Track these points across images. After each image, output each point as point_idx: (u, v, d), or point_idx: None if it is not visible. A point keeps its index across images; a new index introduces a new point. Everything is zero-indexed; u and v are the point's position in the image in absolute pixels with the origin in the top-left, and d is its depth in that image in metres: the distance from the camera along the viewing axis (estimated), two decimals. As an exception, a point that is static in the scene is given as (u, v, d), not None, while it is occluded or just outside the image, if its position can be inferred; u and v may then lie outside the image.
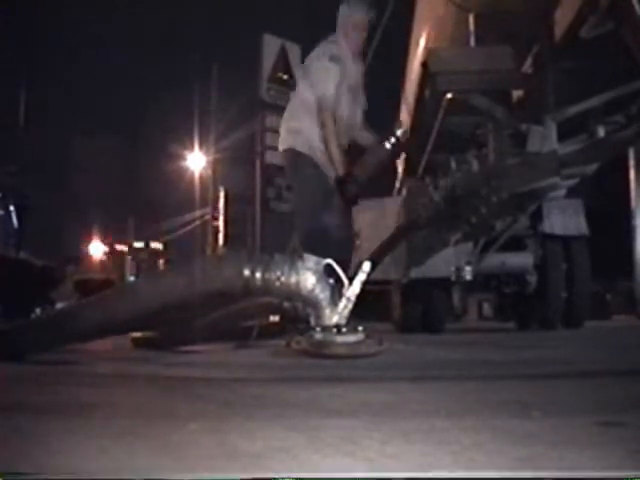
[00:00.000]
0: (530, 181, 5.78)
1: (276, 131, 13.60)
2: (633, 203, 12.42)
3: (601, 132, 5.81)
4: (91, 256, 33.07)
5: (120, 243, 32.39)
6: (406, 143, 5.02)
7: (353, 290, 3.84)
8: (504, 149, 5.87)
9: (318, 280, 3.80)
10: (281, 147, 4.76)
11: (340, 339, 3.66)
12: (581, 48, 5.13)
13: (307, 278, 3.79)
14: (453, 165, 6.51)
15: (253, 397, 2.22)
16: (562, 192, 7.18)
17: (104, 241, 33.28)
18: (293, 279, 3.79)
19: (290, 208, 12.94)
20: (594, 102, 5.69)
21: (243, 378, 2.94)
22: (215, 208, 21.52)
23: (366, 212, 8.16)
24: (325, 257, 3.85)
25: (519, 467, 1.14)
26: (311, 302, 3.84)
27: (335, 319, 3.76)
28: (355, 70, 4.67)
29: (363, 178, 4.61)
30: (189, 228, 27.11)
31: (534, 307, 8.12)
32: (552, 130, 5.69)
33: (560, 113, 5.72)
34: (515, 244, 7.78)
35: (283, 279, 3.79)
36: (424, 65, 6.08)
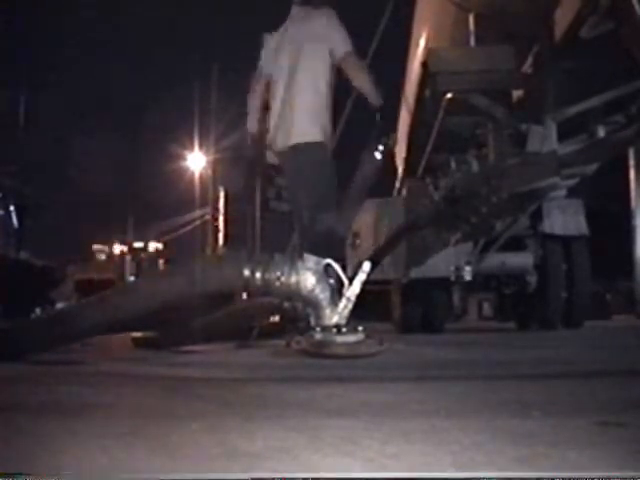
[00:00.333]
0: (530, 181, 5.78)
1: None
2: (633, 203, 12.40)
3: (601, 132, 5.82)
4: (91, 256, 33.05)
5: (120, 243, 32.40)
6: (393, 149, 5.00)
7: (353, 290, 3.84)
8: (504, 149, 5.87)
9: (318, 280, 3.80)
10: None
11: (340, 339, 3.66)
12: (581, 48, 5.13)
13: (307, 278, 3.79)
14: (453, 165, 6.52)
15: (253, 397, 2.22)
16: (562, 192, 7.18)
17: (104, 241, 33.27)
18: (293, 279, 3.79)
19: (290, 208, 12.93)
20: (594, 102, 5.69)
21: (243, 378, 2.94)
22: (215, 208, 21.54)
23: (366, 212, 8.17)
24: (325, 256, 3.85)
25: (519, 467, 1.14)
26: (311, 302, 3.84)
27: (335, 319, 3.76)
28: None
29: (362, 192, 4.58)
30: (189, 228, 27.12)
31: (534, 307, 8.12)
32: (552, 130, 5.69)
33: (560, 113, 5.72)
34: (515, 244, 7.78)
35: (283, 279, 3.79)
36: (424, 65, 6.08)
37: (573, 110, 5.76)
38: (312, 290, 3.79)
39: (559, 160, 5.62)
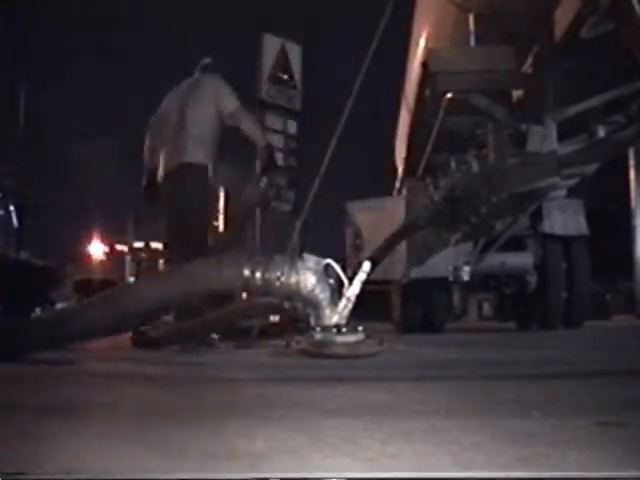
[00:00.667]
0: (530, 181, 5.78)
1: (276, 131, 13.57)
2: (633, 203, 12.40)
3: (601, 132, 5.82)
4: (91, 256, 33.05)
5: (120, 243, 32.38)
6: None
7: (353, 290, 3.84)
8: (504, 149, 5.87)
9: (318, 280, 3.79)
10: None
11: (340, 339, 3.66)
12: (581, 48, 5.13)
13: (307, 278, 3.79)
14: (453, 165, 6.52)
15: (253, 397, 2.22)
16: (562, 192, 7.18)
17: (104, 241, 33.28)
18: (293, 279, 3.79)
19: (290, 208, 12.94)
20: (594, 102, 5.70)
21: (243, 378, 2.94)
22: (215, 208, 21.50)
23: (366, 212, 8.18)
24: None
25: (519, 467, 1.14)
26: (311, 302, 3.84)
27: (335, 319, 3.76)
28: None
29: (242, 219, 5.34)
30: (189, 228, 27.06)
31: (534, 307, 8.12)
32: (552, 130, 5.69)
33: (560, 113, 5.72)
34: (515, 244, 7.79)
35: (283, 279, 3.79)
36: (424, 65, 6.08)
37: (573, 110, 5.76)
38: (312, 290, 3.79)
39: (559, 160, 5.62)
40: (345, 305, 3.81)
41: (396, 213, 7.54)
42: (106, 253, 32.85)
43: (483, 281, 8.39)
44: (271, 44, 13.14)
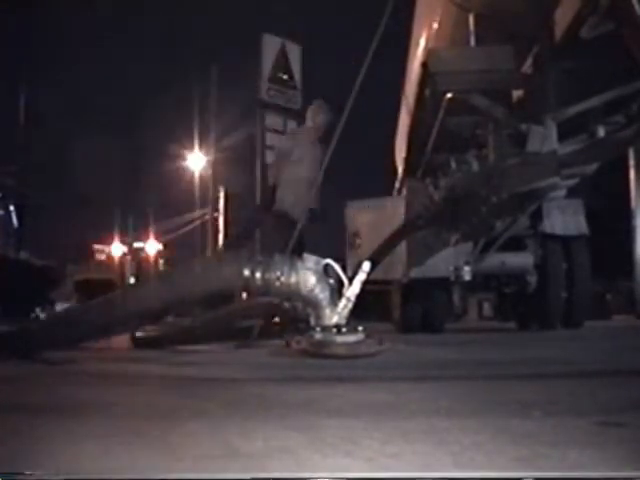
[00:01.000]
0: (530, 181, 5.78)
1: (276, 131, 13.55)
2: (633, 203, 12.41)
3: (601, 132, 5.82)
4: (91, 256, 33.05)
5: (120, 243, 32.38)
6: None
7: (353, 290, 3.84)
8: (504, 149, 5.87)
9: (318, 280, 3.80)
10: None
11: (340, 339, 3.66)
12: (581, 48, 5.13)
13: (307, 278, 3.79)
14: (453, 165, 6.51)
15: (253, 397, 2.22)
16: (562, 192, 7.17)
17: (104, 241, 33.27)
18: (293, 279, 3.80)
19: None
20: (594, 102, 5.69)
21: (243, 378, 2.94)
22: (215, 208, 21.51)
23: (366, 212, 8.17)
24: None
25: (519, 467, 1.14)
26: (311, 302, 3.84)
27: (335, 319, 3.76)
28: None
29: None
30: (189, 228, 27.10)
31: (534, 307, 8.10)
32: (552, 130, 5.68)
33: (560, 113, 5.72)
34: (515, 244, 7.77)
35: (283, 279, 3.79)
36: (424, 65, 6.07)
37: (573, 110, 5.75)
38: (312, 290, 3.80)
39: (559, 160, 5.62)
40: (345, 305, 3.81)
41: (396, 213, 7.52)
42: (106, 253, 32.84)
43: (483, 281, 8.37)
44: (271, 44, 13.14)
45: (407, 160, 9.01)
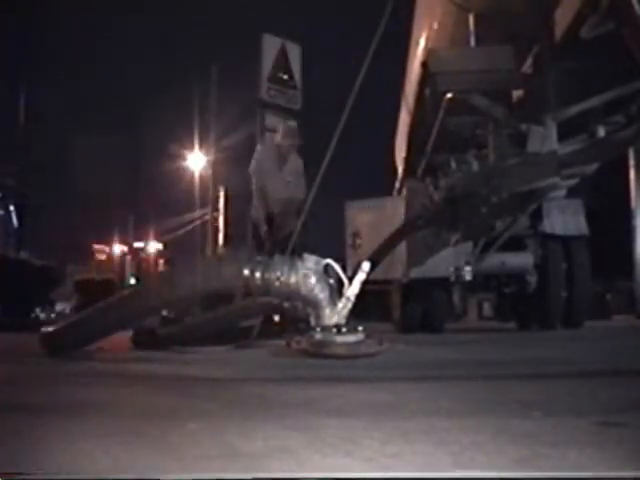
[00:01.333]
0: (530, 181, 5.78)
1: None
2: (633, 203, 12.41)
3: (601, 132, 5.82)
4: (91, 256, 33.03)
5: (120, 243, 32.38)
6: None
7: (352, 290, 3.84)
8: (504, 149, 5.87)
9: (318, 280, 3.80)
10: None
11: (340, 339, 3.66)
12: (581, 48, 5.13)
13: (307, 278, 3.79)
14: (453, 165, 6.51)
15: (253, 397, 2.22)
16: (562, 192, 7.17)
17: (104, 241, 33.26)
18: (293, 279, 3.80)
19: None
20: (594, 102, 5.69)
21: (243, 378, 2.94)
22: (215, 208, 21.49)
23: (366, 212, 8.17)
24: None
25: (519, 467, 1.14)
26: (311, 302, 3.84)
27: (335, 319, 3.76)
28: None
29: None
30: (189, 228, 27.08)
31: (534, 307, 8.10)
32: (552, 130, 5.69)
33: (560, 113, 5.72)
34: (515, 244, 7.77)
35: (283, 279, 3.79)
36: (424, 65, 6.08)
37: (573, 110, 5.75)
38: (312, 290, 3.80)
39: (559, 160, 5.62)
40: (344, 305, 3.81)
41: (396, 213, 7.52)
42: (106, 253, 32.84)
43: (483, 281, 8.36)
44: (271, 44, 13.14)
45: (407, 160, 9.01)
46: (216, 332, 4.80)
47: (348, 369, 3.21)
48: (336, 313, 3.77)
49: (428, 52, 6.22)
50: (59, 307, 23.18)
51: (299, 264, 3.85)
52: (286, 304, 4.09)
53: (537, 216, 7.55)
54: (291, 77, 13.26)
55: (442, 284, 7.71)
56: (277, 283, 3.78)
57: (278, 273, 3.78)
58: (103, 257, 32.75)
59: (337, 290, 3.86)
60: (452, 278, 7.44)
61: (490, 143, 5.93)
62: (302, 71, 13.49)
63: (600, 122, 5.83)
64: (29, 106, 19.45)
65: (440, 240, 7.17)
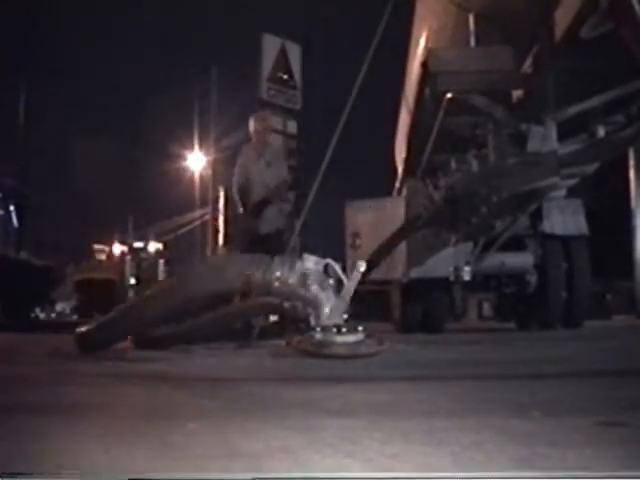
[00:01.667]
0: (530, 181, 5.78)
1: (276, 131, 13.50)
2: (633, 203, 12.42)
3: (601, 132, 5.82)
4: (91, 256, 33.01)
5: (120, 243, 32.35)
6: None
7: (347, 290, 3.84)
8: (504, 149, 5.87)
9: (318, 280, 3.80)
10: None
11: (340, 339, 3.66)
12: (581, 48, 5.13)
13: (307, 278, 3.79)
14: (453, 165, 6.51)
15: (253, 397, 2.22)
16: (562, 192, 7.17)
17: (104, 241, 33.23)
18: (293, 279, 3.79)
19: (290, 208, 12.93)
20: (594, 102, 5.69)
21: (243, 378, 2.94)
22: (215, 208, 21.48)
23: (366, 212, 8.17)
24: None
25: (519, 467, 1.14)
26: (311, 302, 3.84)
27: (334, 319, 3.76)
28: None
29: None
30: (189, 228, 27.06)
31: (534, 307, 8.10)
32: (552, 130, 5.69)
33: (560, 113, 5.72)
34: (515, 244, 7.77)
35: (283, 279, 3.79)
36: (424, 65, 6.08)
37: (573, 110, 5.76)
38: (312, 290, 3.79)
39: (559, 160, 5.62)
40: (339, 304, 3.81)
41: (396, 213, 7.53)
42: (106, 253, 32.83)
43: (483, 281, 8.37)
44: (271, 44, 13.16)
45: (407, 160, 9.02)
46: (216, 332, 4.81)
47: (348, 369, 3.21)
48: (334, 313, 3.77)
49: (428, 52, 6.23)
50: (59, 307, 23.19)
51: (299, 264, 3.85)
52: (286, 304, 4.09)
53: (537, 216, 7.55)
54: (291, 77, 13.28)
55: (442, 284, 7.71)
56: (277, 283, 3.78)
57: (278, 273, 3.78)
58: (103, 257, 32.73)
59: (337, 290, 3.86)
60: (452, 278, 7.44)
61: (490, 143, 5.94)
62: (302, 71, 13.49)
63: (600, 122, 5.84)
64: (29, 106, 19.46)
65: (440, 240, 7.18)
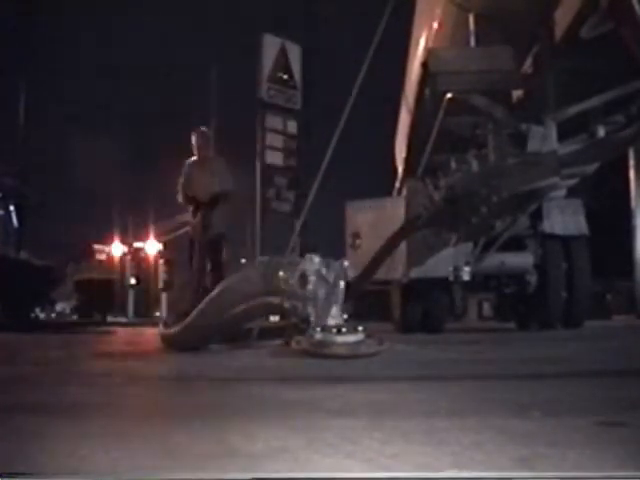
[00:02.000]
0: (530, 181, 5.78)
1: (276, 131, 13.51)
2: (633, 203, 12.42)
3: (601, 132, 5.82)
4: (91, 256, 33.00)
5: (120, 243, 32.34)
6: None
7: (341, 290, 3.85)
8: (504, 149, 5.87)
9: (318, 280, 3.80)
10: None
11: (340, 339, 3.66)
12: (581, 48, 5.13)
13: (307, 278, 3.79)
14: (453, 165, 6.51)
15: (253, 397, 2.22)
16: (562, 192, 7.17)
17: (104, 241, 33.22)
18: (293, 279, 3.79)
19: (290, 208, 12.94)
20: (594, 102, 5.69)
21: (243, 378, 2.94)
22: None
23: (366, 212, 8.16)
24: None
25: (519, 467, 1.14)
26: (311, 302, 3.84)
27: (333, 319, 3.76)
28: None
29: None
30: (189, 228, 26.99)
31: (534, 307, 8.10)
32: (552, 130, 5.69)
33: (560, 113, 5.72)
34: (515, 244, 7.77)
35: (283, 279, 3.79)
36: (424, 65, 6.08)
37: (573, 110, 5.76)
38: (312, 290, 3.79)
39: (559, 160, 5.62)
40: (339, 305, 3.81)
41: (396, 213, 7.52)
42: (106, 253, 32.83)
43: (483, 281, 8.36)
44: (271, 44, 13.16)
45: (407, 160, 9.01)
46: (216, 332, 4.80)
47: (348, 369, 3.21)
48: (333, 313, 3.77)
49: (428, 52, 6.23)
50: (59, 307, 23.16)
51: (299, 264, 3.85)
52: (286, 304, 4.09)
53: (537, 216, 7.55)
54: (291, 77, 13.28)
55: (442, 284, 7.71)
56: (277, 283, 3.78)
57: (279, 273, 3.78)
58: (103, 257, 32.72)
59: (339, 290, 3.86)
60: (452, 278, 7.44)
61: (490, 143, 5.93)
62: (302, 71, 13.49)
63: (600, 122, 5.83)
64: (29, 106, 19.45)
65: (440, 240, 7.17)
